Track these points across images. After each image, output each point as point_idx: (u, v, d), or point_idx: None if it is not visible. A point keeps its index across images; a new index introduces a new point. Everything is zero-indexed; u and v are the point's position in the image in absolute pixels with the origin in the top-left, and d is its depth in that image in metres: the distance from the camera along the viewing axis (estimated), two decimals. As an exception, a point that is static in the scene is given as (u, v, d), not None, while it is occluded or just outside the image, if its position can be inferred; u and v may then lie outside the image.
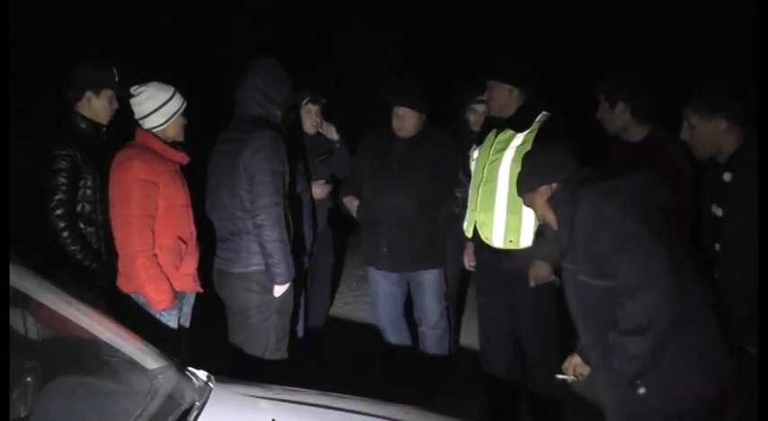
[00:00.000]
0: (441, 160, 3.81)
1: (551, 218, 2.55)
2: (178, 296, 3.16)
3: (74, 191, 3.12)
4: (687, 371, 2.29)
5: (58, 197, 3.08)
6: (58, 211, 3.08)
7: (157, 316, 3.12)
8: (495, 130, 3.51)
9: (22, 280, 1.97)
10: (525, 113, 3.42)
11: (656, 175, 2.46)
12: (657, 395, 2.28)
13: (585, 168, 2.50)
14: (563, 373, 2.75)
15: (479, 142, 3.61)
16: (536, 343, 3.53)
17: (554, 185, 2.52)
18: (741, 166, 2.66)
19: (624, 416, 2.40)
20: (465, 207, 3.69)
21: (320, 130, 4.20)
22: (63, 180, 3.09)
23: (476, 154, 3.61)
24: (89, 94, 3.24)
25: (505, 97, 3.45)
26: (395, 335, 4.07)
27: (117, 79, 3.29)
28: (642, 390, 2.28)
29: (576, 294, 2.42)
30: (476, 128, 4.06)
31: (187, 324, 3.37)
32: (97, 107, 3.25)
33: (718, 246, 2.75)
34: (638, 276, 2.20)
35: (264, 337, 3.20)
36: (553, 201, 2.50)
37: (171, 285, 3.10)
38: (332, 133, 4.20)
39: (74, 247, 3.10)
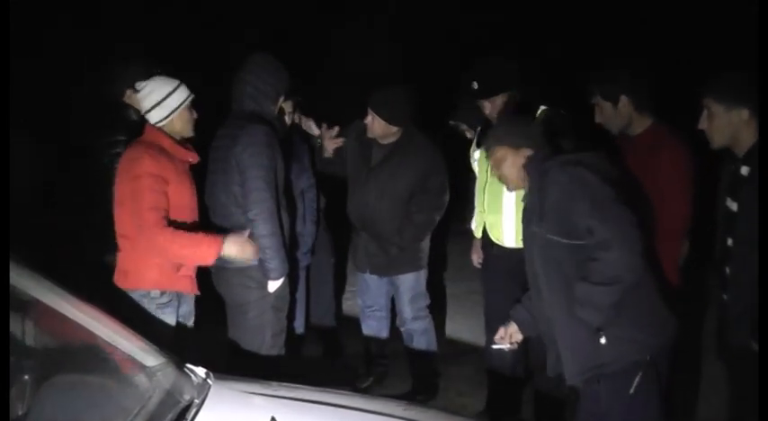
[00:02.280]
0: (417, 172, 3.73)
1: (514, 178, 2.73)
2: (176, 295, 3.13)
3: None
4: (640, 325, 2.54)
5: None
6: None
7: (155, 312, 3.09)
8: None
9: (20, 278, 1.97)
10: (523, 114, 3.37)
11: (610, 156, 2.72)
12: (615, 346, 2.51)
13: (547, 146, 2.71)
14: (497, 344, 2.89)
15: (480, 143, 3.57)
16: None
17: (527, 152, 2.68)
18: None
19: (584, 367, 2.58)
20: (472, 205, 3.70)
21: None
22: None
23: (477, 154, 3.60)
24: (129, 91, 3.44)
25: (510, 102, 3.40)
26: (371, 323, 4.07)
27: None
28: (603, 341, 2.50)
29: (543, 253, 2.60)
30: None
31: (190, 323, 3.34)
32: (137, 103, 3.33)
33: (730, 241, 2.73)
34: (611, 232, 2.40)
35: (260, 333, 3.21)
36: (527, 168, 2.66)
37: (210, 237, 2.97)
38: (311, 128, 4.10)
39: None
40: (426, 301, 3.99)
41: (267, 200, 3.05)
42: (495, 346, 2.92)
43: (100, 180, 3.33)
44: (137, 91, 3.18)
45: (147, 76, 3.29)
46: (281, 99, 3.29)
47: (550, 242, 2.55)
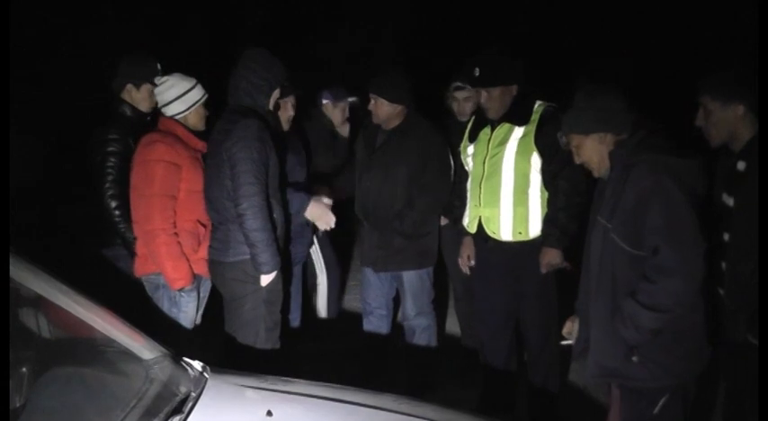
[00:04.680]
0: (417, 154, 3.69)
1: (595, 165, 2.53)
2: (196, 279, 3.24)
3: (125, 173, 3.31)
4: (675, 353, 2.42)
5: (110, 178, 3.32)
6: (111, 192, 3.32)
7: (177, 298, 3.21)
8: (489, 125, 3.47)
9: (18, 271, 1.98)
10: (522, 106, 3.39)
11: (705, 163, 2.44)
12: (646, 367, 2.42)
13: (640, 131, 2.42)
14: (566, 339, 2.81)
15: (472, 138, 3.57)
16: (537, 332, 3.54)
17: (609, 136, 2.46)
18: (756, 155, 2.62)
19: (607, 372, 2.52)
20: (461, 201, 3.68)
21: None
22: (115, 161, 3.32)
23: (471, 149, 3.57)
24: (129, 86, 3.49)
25: (507, 96, 3.39)
26: (372, 320, 4.05)
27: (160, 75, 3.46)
28: (635, 359, 2.41)
29: (602, 250, 2.45)
30: (462, 117, 3.99)
31: (198, 319, 3.45)
32: (137, 99, 3.49)
33: (726, 236, 2.74)
34: (679, 259, 2.27)
35: (254, 327, 3.20)
36: (611, 155, 2.45)
37: (189, 265, 3.17)
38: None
39: (123, 226, 3.30)
40: (431, 297, 3.98)
41: (256, 194, 3.05)
42: (564, 342, 2.85)
43: (92, 177, 3.38)
44: (155, 85, 3.30)
45: (149, 71, 3.40)
46: (276, 93, 3.26)
47: (612, 242, 2.40)
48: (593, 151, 2.51)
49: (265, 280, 3.15)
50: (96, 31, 7.13)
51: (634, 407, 2.53)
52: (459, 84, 4.02)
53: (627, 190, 2.35)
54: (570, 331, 2.77)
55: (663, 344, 2.39)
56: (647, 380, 2.44)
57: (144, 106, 3.51)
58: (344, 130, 4.40)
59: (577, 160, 2.59)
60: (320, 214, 3.53)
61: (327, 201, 3.58)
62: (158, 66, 3.48)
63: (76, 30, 7.08)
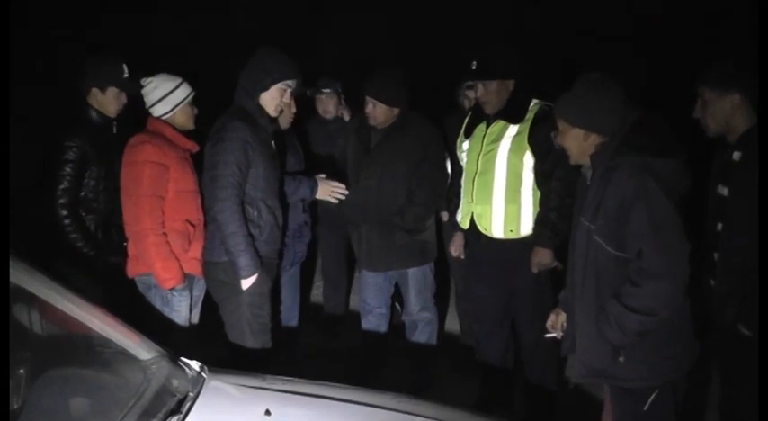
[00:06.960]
0: (416, 147, 3.74)
1: (573, 155, 2.53)
2: (187, 279, 3.24)
3: (79, 181, 3.25)
4: (662, 353, 2.41)
5: (62, 187, 3.22)
6: (62, 201, 3.22)
7: (169, 297, 3.21)
8: (485, 122, 3.48)
9: (15, 271, 1.97)
10: (517, 103, 3.39)
11: (689, 160, 2.38)
12: (633, 366, 2.40)
13: (623, 130, 2.37)
14: (549, 332, 2.82)
15: (468, 134, 3.58)
16: (532, 329, 3.54)
17: (594, 136, 2.44)
18: (751, 146, 2.63)
19: (594, 372, 2.50)
20: (457, 198, 3.69)
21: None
22: (69, 170, 3.22)
23: (465, 145, 3.59)
24: (94, 90, 3.35)
25: (503, 92, 3.39)
26: (371, 319, 4.05)
27: (126, 76, 3.36)
28: (622, 359, 2.39)
29: (586, 251, 2.44)
30: None
31: (198, 307, 3.48)
32: (103, 102, 3.37)
33: (719, 226, 2.75)
34: (664, 262, 2.25)
35: (238, 329, 3.15)
36: (593, 157, 2.43)
37: (180, 265, 3.18)
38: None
39: (74, 235, 3.23)
40: (433, 291, 4.00)
41: (228, 198, 2.98)
42: (547, 335, 2.86)
43: (47, 181, 3.26)
44: (143, 87, 3.26)
45: (115, 73, 3.32)
46: (272, 93, 3.13)
47: (596, 243, 2.38)
48: (573, 142, 2.49)
49: (245, 284, 3.06)
50: (96, 30, 7.12)
51: (624, 405, 2.54)
52: (470, 82, 4.03)
53: (609, 192, 2.33)
54: (554, 324, 2.79)
55: (650, 344, 2.38)
56: (636, 381, 2.43)
57: (111, 110, 3.36)
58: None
59: (558, 142, 2.58)
60: (329, 188, 3.60)
61: (322, 175, 3.65)
62: (125, 66, 3.34)
63: (76, 30, 7.06)
